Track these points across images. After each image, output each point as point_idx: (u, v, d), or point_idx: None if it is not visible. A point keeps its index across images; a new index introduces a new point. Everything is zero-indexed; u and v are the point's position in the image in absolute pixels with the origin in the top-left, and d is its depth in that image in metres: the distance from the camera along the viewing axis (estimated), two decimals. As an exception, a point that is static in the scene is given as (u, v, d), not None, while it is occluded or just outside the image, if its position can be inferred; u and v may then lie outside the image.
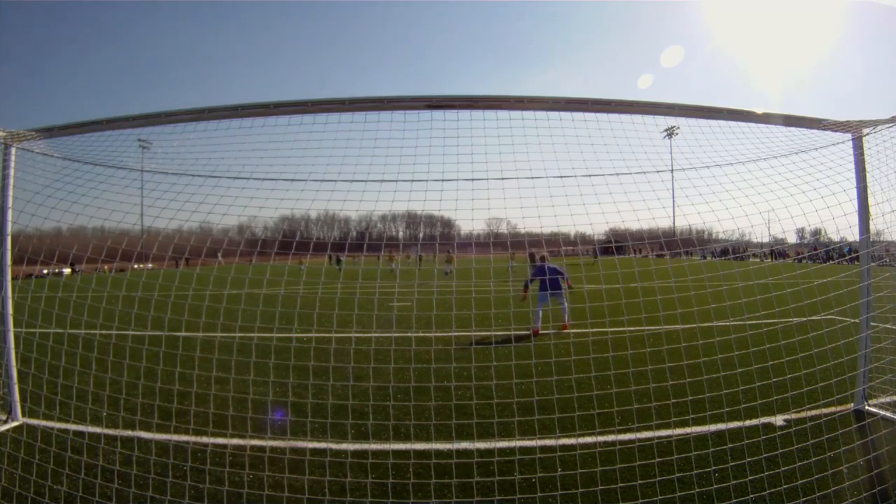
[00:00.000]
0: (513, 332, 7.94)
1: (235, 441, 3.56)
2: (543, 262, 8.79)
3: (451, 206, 3.15)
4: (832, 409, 3.86)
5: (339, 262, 19.51)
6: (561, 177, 3.29)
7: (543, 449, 3.45)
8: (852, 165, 3.87)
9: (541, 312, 8.25)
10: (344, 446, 3.56)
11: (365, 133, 3.14)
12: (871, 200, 3.82)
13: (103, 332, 3.76)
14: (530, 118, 3.15)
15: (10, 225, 3.89)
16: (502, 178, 3.19)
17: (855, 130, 3.77)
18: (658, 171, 3.47)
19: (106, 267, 3.87)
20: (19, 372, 4.04)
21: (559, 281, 8.32)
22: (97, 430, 3.73)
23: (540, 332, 7.92)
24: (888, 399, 4.11)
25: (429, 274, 21.36)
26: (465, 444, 3.64)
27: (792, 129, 3.58)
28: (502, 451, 3.43)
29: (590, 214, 3.17)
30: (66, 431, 3.71)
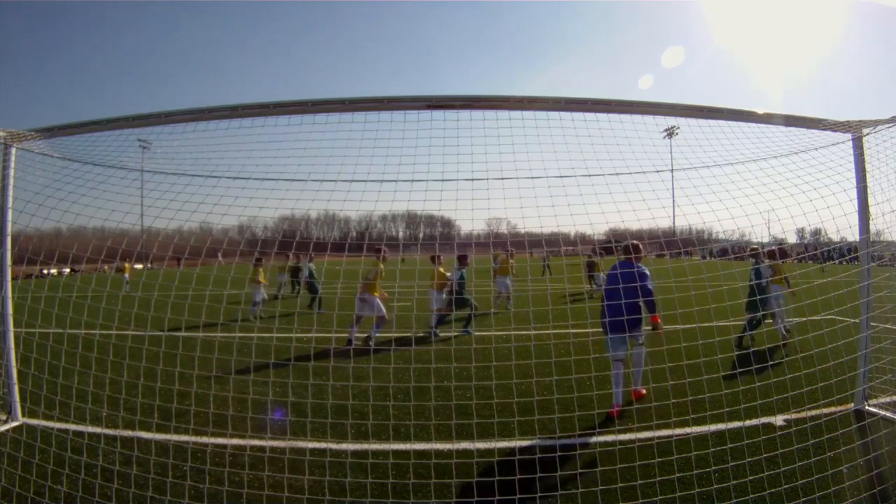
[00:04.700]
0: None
1: (235, 441, 3.56)
2: (626, 263, 4.55)
3: (451, 206, 3.16)
4: (832, 409, 3.86)
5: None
6: (561, 177, 3.29)
7: (543, 449, 3.44)
8: (852, 165, 3.88)
9: (621, 374, 4.35)
10: (344, 446, 3.56)
11: (365, 133, 3.14)
12: (871, 200, 3.82)
13: (103, 332, 3.75)
14: (530, 118, 3.15)
15: (10, 225, 3.89)
16: (502, 178, 3.19)
17: (855, 130, 3.78)
18: (658, 171, 3.47)
19: (106, 267, 3.87)
20: (19, 372, 4.04)
21: (637, 303, 4.26)
22: (97, 430, 3.73)
23: (620, 409, 4.30)
24: (888, 399, 4.11)
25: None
26: (465, 444, 3.64)
27: (792, 129, 3.59)
28: (502, 451, 3.43)
29: (590, 214, 3.17)
30: (65, 431, 3.70)
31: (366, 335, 7.28)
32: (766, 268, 6.76)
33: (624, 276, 4.32)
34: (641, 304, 4.30)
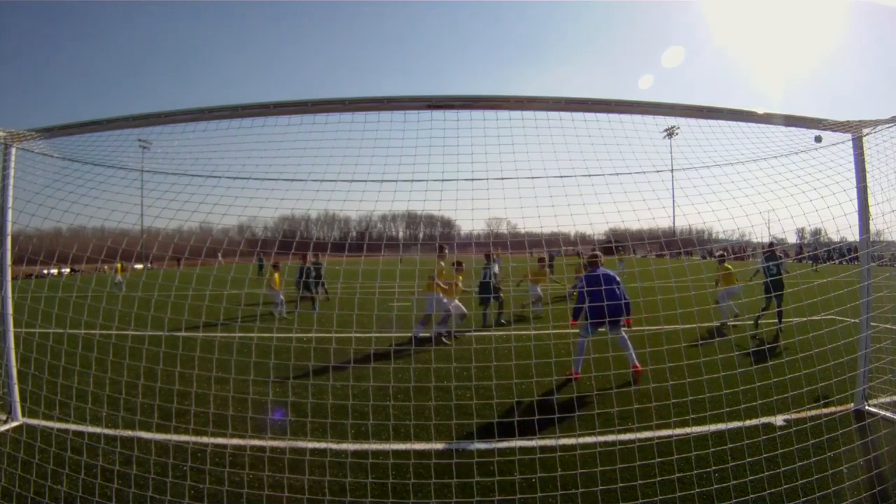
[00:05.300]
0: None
1: (235, 441, 3.56)
2: (597, 268, 5.56)
3: (451, 206, 3.16)
4: (832, 409, 3.86)
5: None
6: (561, 177, 3.29)
7: (543, 449, 3.44)
8: (852, 165, 3.88)
9: (584, 346, 5.36)
10: (344, 446, 3.56)
11: (365, 133, 3.14)
12: (871, 200, 3.82)
13: (103, 332, 3.75)
14: (530, 118, 3.15)
15: (10, 225, 3.89)
16: (502, 178, 3.19)
17: (855, 130, 3.78)
18: (658, 171, 3.48)
19: (106, 267, 3.87)
20: (19, 372, 4.04)
21: (619, 303, 5.21)
22: (97, 430, 3.73)
23: (580, 375, 5.29)
24: (888, 399, 4.11)
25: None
26: (465, 444, 3.64)
27: (792, 129, 3.59)
28: (502, 451, 3.43)
29: (590, 214, 3.17)
30: (65, 431, 3.70)
31: (442, 331, 7.59)
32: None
33: (606, 279, 5.26)
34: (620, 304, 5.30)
